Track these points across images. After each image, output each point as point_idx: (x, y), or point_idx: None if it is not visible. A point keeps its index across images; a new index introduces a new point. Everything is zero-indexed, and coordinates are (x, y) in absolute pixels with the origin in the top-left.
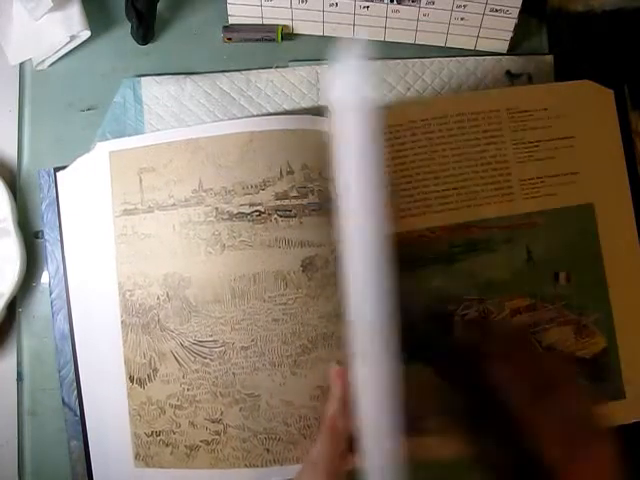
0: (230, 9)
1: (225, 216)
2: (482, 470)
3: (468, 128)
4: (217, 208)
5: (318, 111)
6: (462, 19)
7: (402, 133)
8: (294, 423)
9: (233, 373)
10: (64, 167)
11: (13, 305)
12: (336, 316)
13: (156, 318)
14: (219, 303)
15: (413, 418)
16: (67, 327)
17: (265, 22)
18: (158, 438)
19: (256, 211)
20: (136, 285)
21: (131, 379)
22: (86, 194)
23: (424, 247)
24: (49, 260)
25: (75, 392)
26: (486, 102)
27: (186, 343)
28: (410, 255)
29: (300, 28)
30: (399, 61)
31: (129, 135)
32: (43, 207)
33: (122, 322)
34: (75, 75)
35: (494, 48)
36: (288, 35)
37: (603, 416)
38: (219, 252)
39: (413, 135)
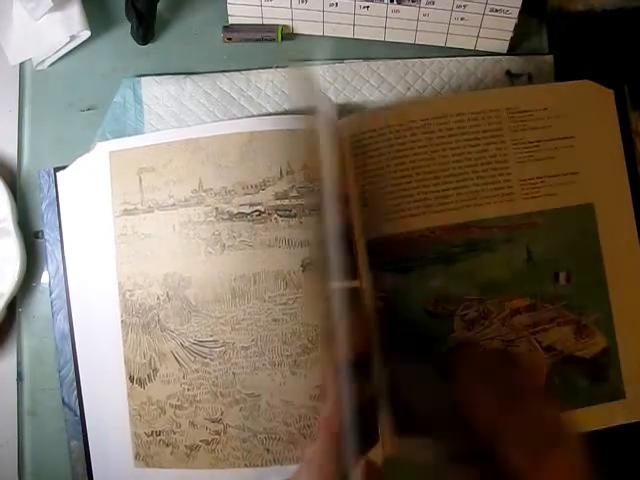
0: (230, 9)
1: (225, 216)
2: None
3: (468, 128)
4: (217, 208)
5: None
6: (462, 19)
7: (402, 133)
8: (294, 423)
9: (233, 373)
10: (64, 167)
11: (13, 305)
12: None
13: (156, 318)
14: (219, 303)
15: (408, 417)
16: (67, 327)
17: (265, 22)
18: (158, 438)
19: (256, 211)
20: (136, 285)
21: (131, 379)
22: (86, 194)
23: (424, 247)
24: (49, 260)
25: (75, 392)
26: (486, 102)
27: (186, 343)
28: (410, 255)
29: (300, 28)
30: (399, 61)
31: (129, 135)
32: (43, 207)
33: (122, 322)
34: (75, 75)
35: (494, 48)
36: (288, 35)
37: (571, 424)
38: (219, 252)
39: (413, 135)
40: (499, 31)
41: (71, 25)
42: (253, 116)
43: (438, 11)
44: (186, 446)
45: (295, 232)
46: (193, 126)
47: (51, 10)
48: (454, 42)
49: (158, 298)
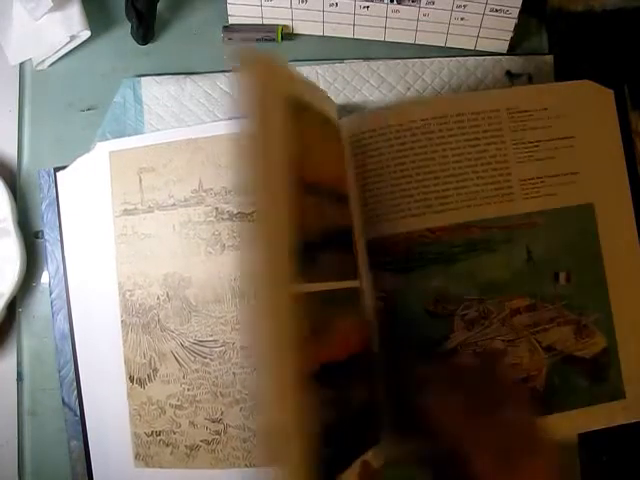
0: (230, 9)
1: (225, 216)
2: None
3: (468, 128)
4: (217, 208)
5: None
6: (462, 19)
7: (402, 133)
8: None
9: (233, 373)
10: (64, 167)
11: (13, 305)
12: None
13: (156, 318)
14: (219, 303)
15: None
16: (67, 327)
17: (265, 22)
18: (158, 438)
19: None
20: (136, 285)
21: (131, 379)
22: (86, 194)
23: (424, 247)
24: (49, 260)
25: (75, 392)
26: (486, 102)
27: (186, 343)
28: (410, 255)
29: (300, 28)
30: (399, 61)
31: (129, 135)
32: (43, 207)
33: (122, 322)
34: (75, 75)
35: (494, 48)
36: (288, 35)
37: (543, 430)
38: (219, 252)
39: (413, 135)
40: (499, 31)
41: (71, 25)
42: None
43: (438, 11)
44: (186, 446)
45: None
46: (193, 126)
47: (51, 10)
48: (454, 42)
49: (158, 298)
